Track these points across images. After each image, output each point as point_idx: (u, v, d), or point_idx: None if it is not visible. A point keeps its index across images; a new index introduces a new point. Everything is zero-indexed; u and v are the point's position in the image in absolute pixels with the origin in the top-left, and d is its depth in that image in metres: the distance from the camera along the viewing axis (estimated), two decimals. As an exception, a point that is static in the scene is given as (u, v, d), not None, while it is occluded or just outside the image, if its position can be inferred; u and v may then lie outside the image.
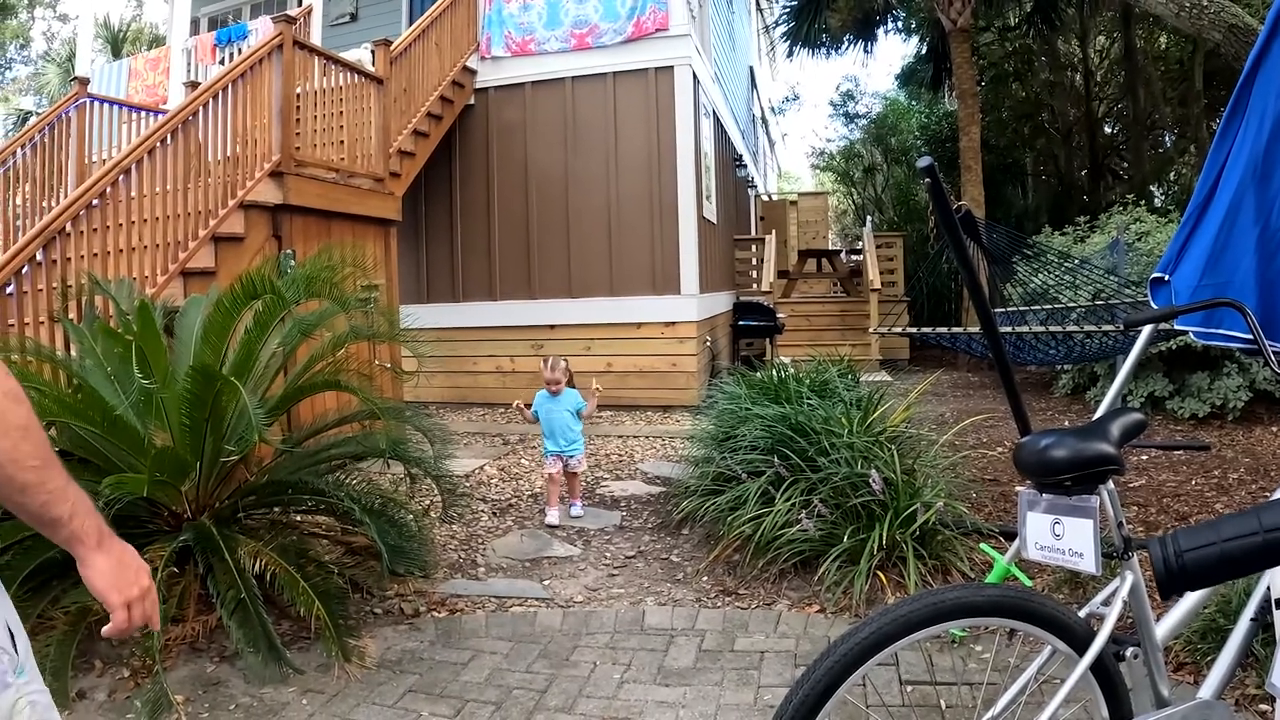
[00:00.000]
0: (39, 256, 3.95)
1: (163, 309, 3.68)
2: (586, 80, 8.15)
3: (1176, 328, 2.72)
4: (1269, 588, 1.64)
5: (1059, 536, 1.50)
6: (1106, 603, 1.55)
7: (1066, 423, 6.56)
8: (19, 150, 6.42)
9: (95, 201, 4.25)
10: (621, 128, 8.04)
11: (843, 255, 15.05)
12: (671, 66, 7.89)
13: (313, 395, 3.83)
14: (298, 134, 5.59)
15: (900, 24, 16.44)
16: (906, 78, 18.44)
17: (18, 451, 0.99)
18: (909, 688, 2.51)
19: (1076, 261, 5.99)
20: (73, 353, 3.60)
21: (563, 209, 8.22)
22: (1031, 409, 6.89)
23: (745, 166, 13.76)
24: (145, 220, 4.52)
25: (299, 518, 3.76)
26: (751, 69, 16.29)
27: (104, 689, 2.66)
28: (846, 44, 15.33)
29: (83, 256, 4.19)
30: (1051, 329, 4.97)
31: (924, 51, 16.14)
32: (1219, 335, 2.54)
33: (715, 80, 10.05)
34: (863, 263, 12.19)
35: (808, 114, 79.74)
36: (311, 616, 2.79)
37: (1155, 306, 2.70)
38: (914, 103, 20.20)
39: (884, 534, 3.22)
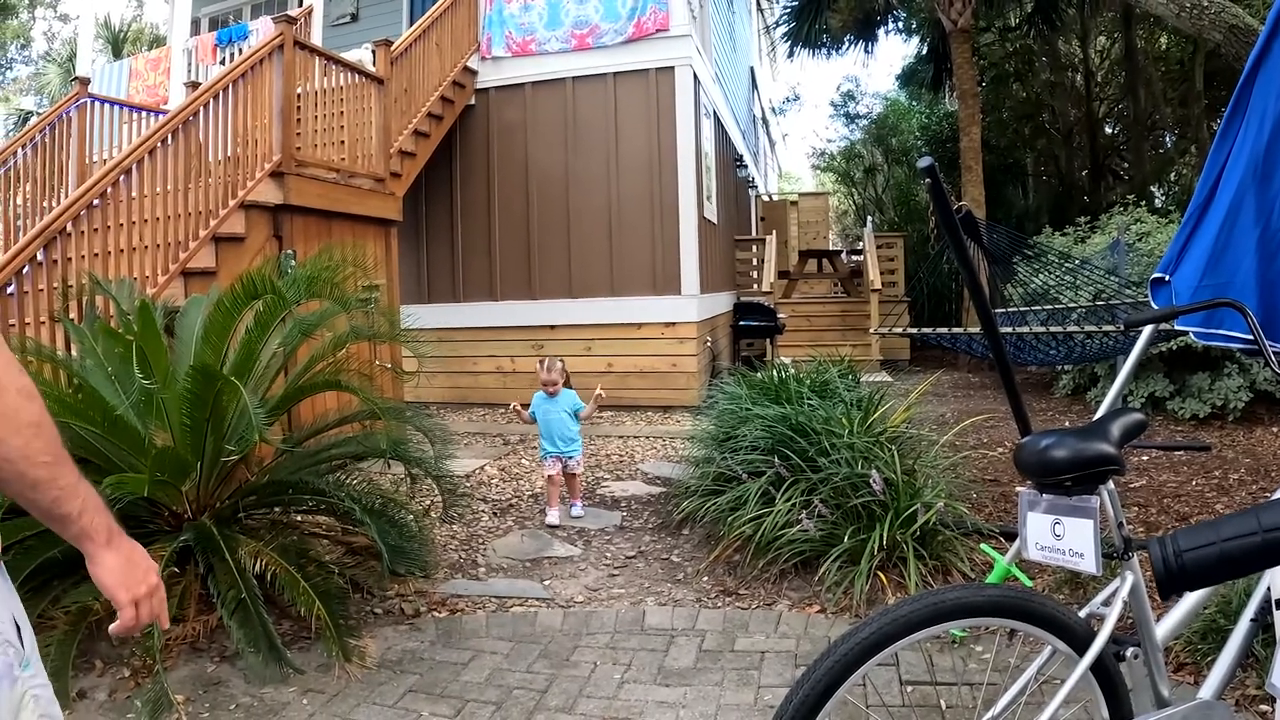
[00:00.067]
0: (40, 256, 3.95)
1: (163, 309, 3.68)
2: (587, 80, 8.15)
3: (1177, 328, 2.72)
4: (1269, 588, 1.64)
5: (1059, 537, 1.50)
6: (1107, 603, 1.55)
7: (1067, 423, 6.56)
8: (20, 150, 6.42)
9: (96, 201, 4.25)
10: (622, 128, 8.04)
11: (843, 256, 15.03)
12: (672, 67, 7.89)
13: (313, 395, 3.83)
14: (298, 134, 5.59)
15: (901, 24, 16.45)
16: (907, 78, 18.45)
17: (29, 448, 0.99)
18: (909, 688, 2.51)
19: (1077, 262, 5.99)
20: (73, 353, 3.60)
21: (563, 209, 8.23)
22: (1032, 409, 6.89)
23: (746, 167, 13.76)
24: (146, 220, 4.53)
25: (299, 518, 3.76)
26: (752, 69, 16.29)
27: (104, 689, 2.66)
28: (847, 44, 15.34)
29: (83, 256, 4.19)
30: (1052, 329, 4.97)
31: (924, 52, 16.14)
32: (1219, 336, 2.54)
33: (716, 80, 10.06)
34: (863, 263, 12.19)
35: (808, 114, 79.86)
36: (312, 616, 2.79)
37: (1156, 307, 2.70)
38: (914, 103, 20.20)
39: (884, 534, 3.22)
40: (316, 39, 8.50)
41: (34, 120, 7.42)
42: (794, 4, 14.79)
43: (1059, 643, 1.49)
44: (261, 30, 8.78)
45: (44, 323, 3.91)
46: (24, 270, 3.86)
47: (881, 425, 3.85)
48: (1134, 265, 6.52)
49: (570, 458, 4.45)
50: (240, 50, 8.71)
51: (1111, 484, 1.52)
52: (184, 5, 9.93)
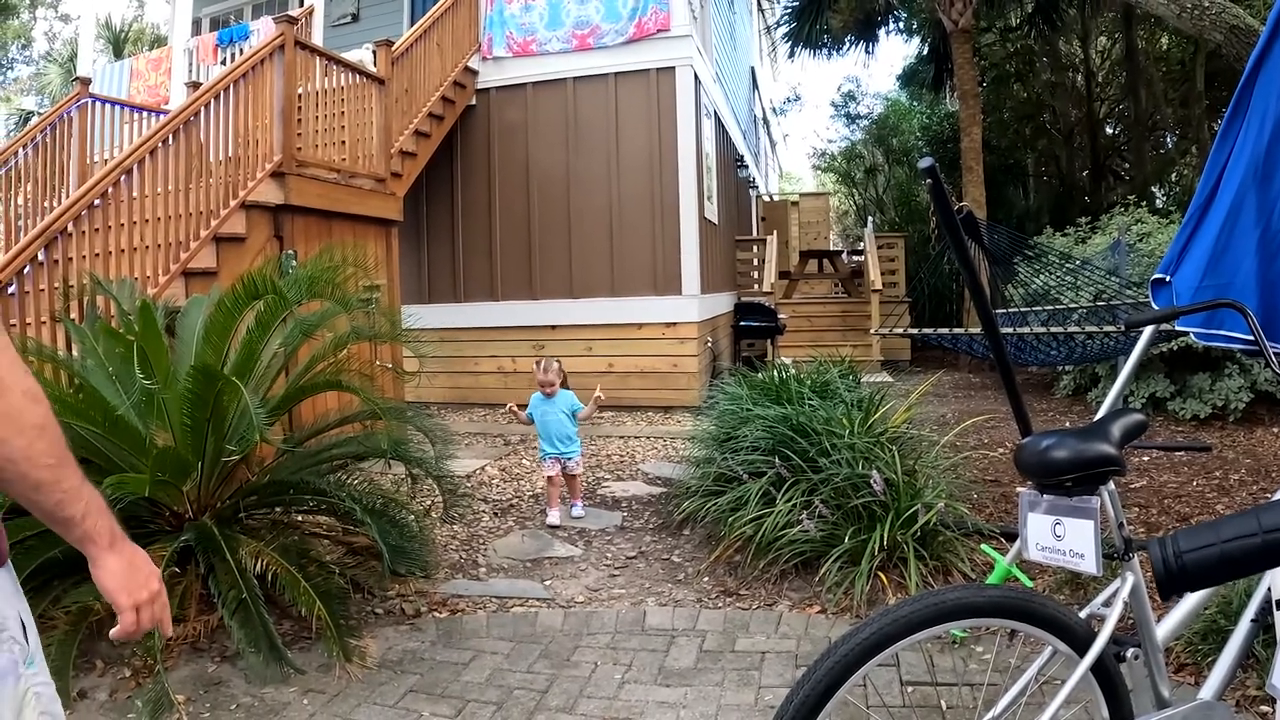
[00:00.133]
0: (41, 256, 3.96)
1: (164, 309, 3.68)
2: (588, 81, 8.15)
3: (1178, 329, 2.72)
4: (1270, 589, 1.64)
5: (1060, 537, 1.50)
6: (1107, 604, 1.55)
7: (1068, 423, 6.56)
8: (21, 150, 6.43)
9: (97, 202, 4.26)
10: (623, 128, 8.05)
11: (844, 256, 15.04)
12: (673, 67, 7.89)
13: (314, 395, 3.83)
14: (299, 134, 5.60)
15: (901, 25, 16.45)
16: (908, 78, 18.45)
17: (33, 450, 1.00)
18: (910, 688, 2.51)
19: (1078, 262, 5.98)
20: (74, 353, 3.60)
21: (564, 209, 8.23)
22: (1033, 410, 6.89)
23: (747, 167, 13.76)
24: (147, 220, 4.53)
25: (300, 518, 3.76)
26: (753, 69, 16.29)
27: (105, 689, 2.66)
28: (848, 45, 15.34)
29: (84, 256, 4.20)
30: (1053, 330, 4.97)
31: (925, 52, 16.15)
32: (1220, 336, 2.54)
33: (717, 81, 10.06)
34: (864, 263, 12.18)
35: (809, 115, 79.86)
36: (313, 616, 2.79)
37: (1156, 307, 2.70)
38: (915, 103, 20.20)
39: (885, 535, 3.22)
40: (317, 39, 8.51)
41: (35, 120, 7.42)
42: (795, 4, 14.80)
43: (1059, 643, 1.49)
44: (262, 30, 8.78)
45: (45, 323, 3.91)
46: (25, 270, 3.87)
47: (882, 426, 3.85)
48: (1135, 266, 6.52)
49: (569, 458, 4.44)
50: (241, 50, 8.71)
51: (1112, 484, 1.52)
52: (185, 5, 9.94)
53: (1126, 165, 16.38)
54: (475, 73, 8.33)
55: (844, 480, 3.45)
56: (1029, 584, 2.86)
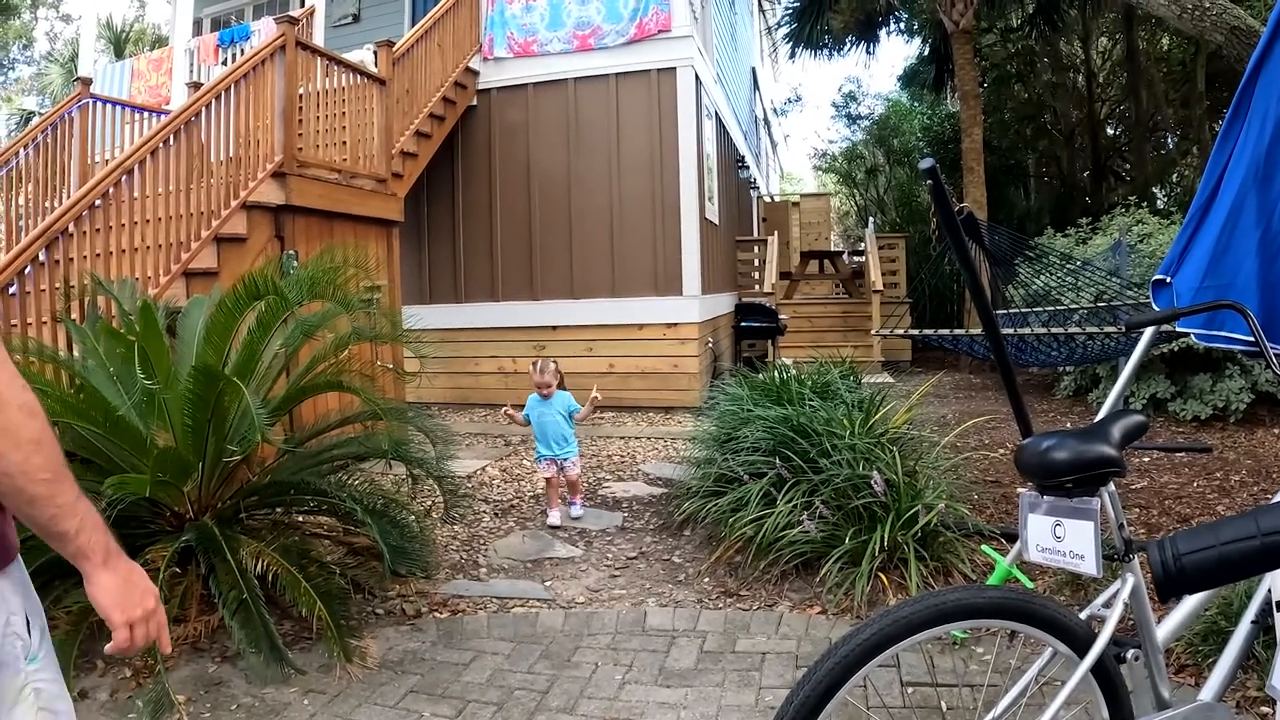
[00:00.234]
0: (42, 257, 3.96)
1: (165, 309, 3.68)
2: (589, 81, 8.15)
3: (1178, 330, 2.72)
4: (1270, 590, 1.64)
5: (1060, 538, 1.50)
6: (1108, 605, 1.55)
7: (1068, 424, 6.56)
8: (22, 150, 6.43)
9: (98, 202, 4.26)
10: (624, 129, 8.05)
11: (845, 257, 15.04)
12: (674, 68, 7.90)
13: (315, 396, 3.83)
14: (300, 135, 5.60)
15: (902, 25, 16.45)
16: (909, 79, 18.45)
17: (29, 464, 1.00)
18: (910, 689, 2.51)
19: (1079, 263, 5.99)
20: (75, 353, 3.61)
21: (565, 210, 8.23)
22: (1033, 411, 6.89)
23: (748, 167, 13.76)
24: (148, 221, 4.53)
25: (301, 518, 3.76)
26: (754, 70, 16.30)
27: (106, 689, 2.66)
28: (849, 45, 15.35)
29: (85, 257, 4.20)
30: (1054, 331, 4.97)
31: (926, 53, 16.15)
32: (1221, 337, 2.54)
33: (717, 81, 10.06)
34: (865, 264, 12.19)
35: (810, 115, 79.87)
36: (313, 617, 2.79)
37: (1157, 308, 2.70)
38: (916, 104, 20.19)
39: (885, 536, 3.22)
40: (318, 40, 8.51)
41: (36, 121, 7.43)
42: (795, 5, 14.80)
43: (1060, 644, 1.49)
44: (263, 31, 8.79)
45: (46, 323, 3.92)
46: (26, 270, 3.87)
47: (883, 426, 3.86)
48: (1135, 267, 6.52)
49: (566, 460, 4.43)
50: (242, 51, 8.72)
51: (1112, 486, 1.52)
52: (186, 6, 9.95)
53: (1127, 166, 16.38)
54: (476, 73, 8.34)
55: (845, 481, 3.45)
56: (1029, 585, 2.86)
